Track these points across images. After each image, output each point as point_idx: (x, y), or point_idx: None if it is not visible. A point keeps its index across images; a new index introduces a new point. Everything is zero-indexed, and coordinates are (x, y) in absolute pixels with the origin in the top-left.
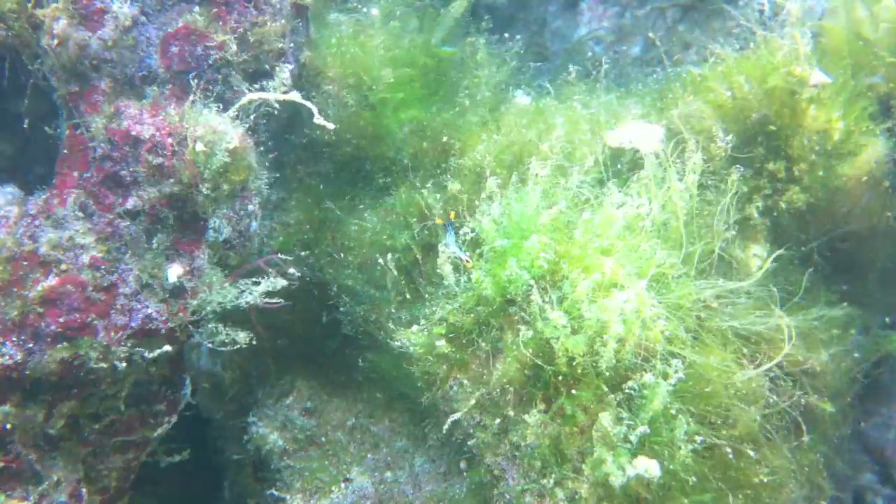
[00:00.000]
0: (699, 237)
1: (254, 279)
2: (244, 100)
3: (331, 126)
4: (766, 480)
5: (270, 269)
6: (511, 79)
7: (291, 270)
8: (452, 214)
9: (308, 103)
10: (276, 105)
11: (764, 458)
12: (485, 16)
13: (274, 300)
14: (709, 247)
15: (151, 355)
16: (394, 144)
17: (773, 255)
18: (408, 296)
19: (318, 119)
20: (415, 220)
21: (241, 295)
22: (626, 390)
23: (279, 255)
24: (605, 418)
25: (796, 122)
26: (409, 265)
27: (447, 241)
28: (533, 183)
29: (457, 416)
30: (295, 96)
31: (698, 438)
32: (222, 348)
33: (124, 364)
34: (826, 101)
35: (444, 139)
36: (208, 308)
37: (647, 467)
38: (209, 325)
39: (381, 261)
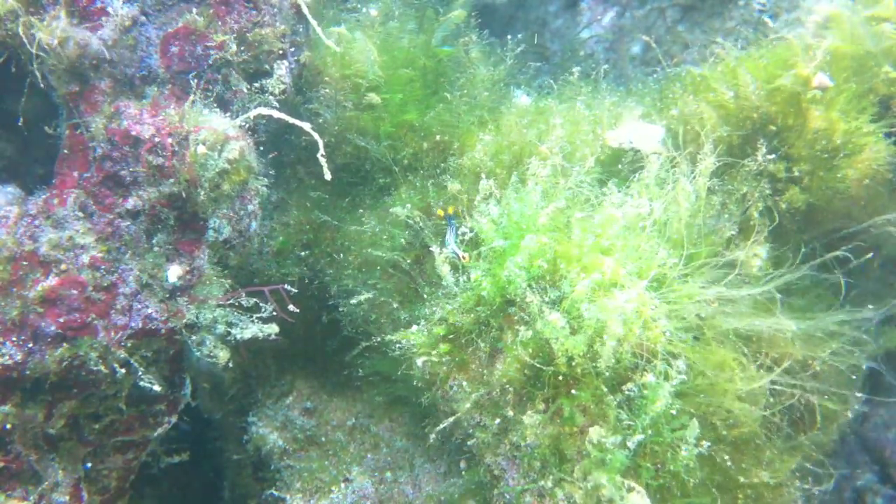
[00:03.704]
0: (702, 238)
1: (252, 304)
2: (252, 113)
3: (327, 175)
4: (767, 481)
5: (270, 298)
6: (510, 78)
7: (291, 307)
8: (451, 209)
9: (316, 135)
10: (276, 104)
11: (765, 458)
12: (473, 13)
13: (268, 333)
14: (711, 248)
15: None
16: (393, 145)
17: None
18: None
19: (321, 156)
20: (417, 218)
21: (231, 327)
22: (626, 391)
23: (286, 286)
24: (596, 432)
25: (799, 123)
26: (409, 265)
27: (446, 238)
28: (533, 183)
29: (450, 421)
30: (306, 126)
31: (705, 443)
32: (207, 359)
33: (123, 370)
34: (828, 101)
35: (444, 139)
36: (201, 319)
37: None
38: (200, 334)
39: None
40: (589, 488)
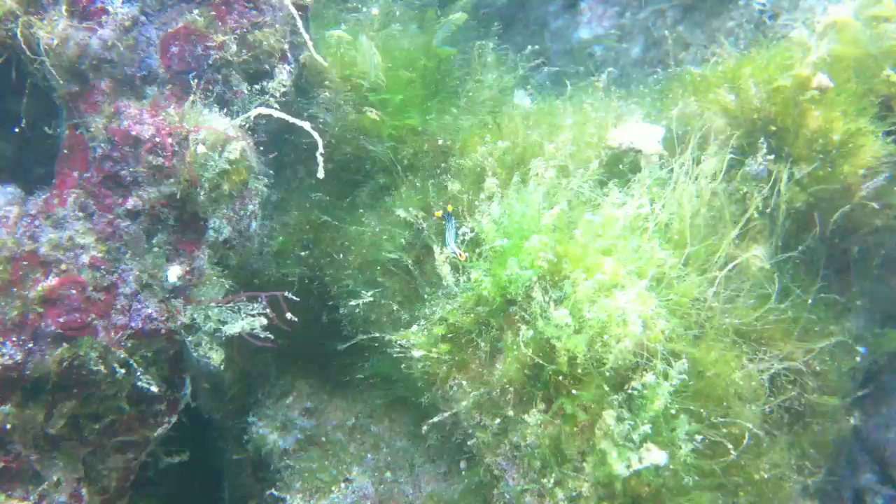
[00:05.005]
0: (702, 238)
1: (246, 307)
2: (252, 113)
3: (321, 174)
4: (767, 477)
5: (264, 303)
6: (518, 83)
7: (289, 316)
8: (450, 207)
9: (315, 135)
10: (276, 105)
11: (764, 455)
12: (493, 20)
13: (261, 336)
14: (711, 248)
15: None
16: (394, 145)
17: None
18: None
19: (320, 156)
20: (419, 219)
21: (222, 325)
22: (628, 390)
23: (287, 293)
24: (609, 415)
25: (799, 123)
26: (410, 265)
27: (446, 238)
28: (535, 184)
29: (446, 414)
30: (306, 125)
31: (698, 437)
32: (202, 359)
33: (123, 370)
34: (828, 102)
35: (444, 140)
36: (198, 319)
37: (656, 458)
38: (197, 335)
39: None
40: (596, 476)
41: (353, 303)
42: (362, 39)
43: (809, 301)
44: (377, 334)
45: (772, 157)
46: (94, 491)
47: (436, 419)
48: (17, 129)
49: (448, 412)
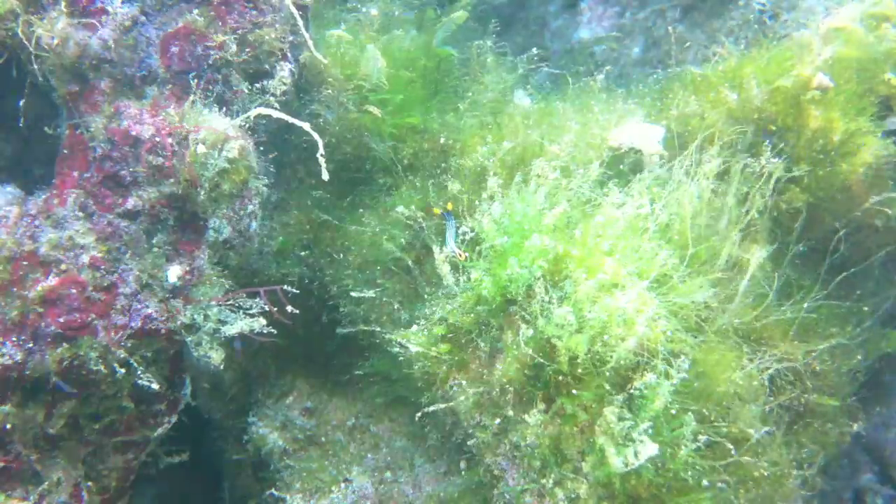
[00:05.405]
0: (702, 238)
1: (246, 304)
2: (252, 112)
3: (325, 176)
4: (767, 474)
5: (265, 300)
6: (518, 83)
7: (290, 308)
8: (450, 205)
9: (315, 135)
10: (276, 105)
11: (763, 453)
12: (492, 19)
13: (263, 332)
14: (711, 248)
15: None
16: (394, 145)
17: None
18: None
19: (321, 156)
20: (419, 217)
21: (222, 325)
22: (629, 390)
23: (285, 287)
24: (610, 412)
25: (799, 123)
26: (410, 265)
27: (446, 237)
28: (536, 184)
29: (442, 406)
30: (305, 126)
31: (702, 438)
32: (202, 359)
33: (123, 370)
34: (828, 102)
35: (444, 140)
36: (198, 319)
37: (649, 451)
38: (198, 334)
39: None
40: (596, 476)
41: (354, 294)
42: (369, 48)
43: (806, 304)
44: (377, 329)
45: (776, 159)
46: (94, 491)
47: (431, 408)
48: (20, 113)
49: (445, 404)
